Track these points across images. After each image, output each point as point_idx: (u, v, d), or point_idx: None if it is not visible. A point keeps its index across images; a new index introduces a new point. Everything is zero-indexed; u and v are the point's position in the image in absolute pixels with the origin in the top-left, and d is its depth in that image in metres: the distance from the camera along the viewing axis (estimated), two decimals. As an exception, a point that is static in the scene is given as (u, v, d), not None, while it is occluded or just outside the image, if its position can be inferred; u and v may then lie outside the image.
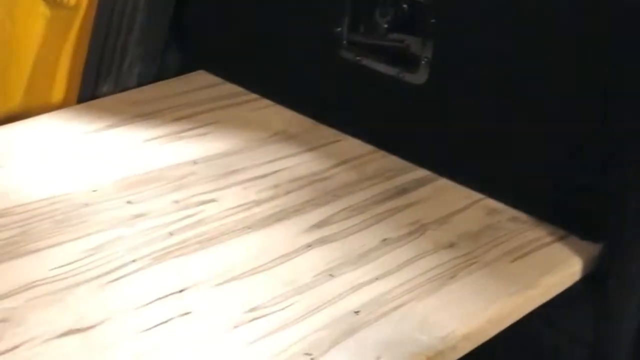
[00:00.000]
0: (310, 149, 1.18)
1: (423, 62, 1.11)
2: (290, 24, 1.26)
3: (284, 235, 0.99)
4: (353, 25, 1.17)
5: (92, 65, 1.32)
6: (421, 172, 1.13)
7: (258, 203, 1.05)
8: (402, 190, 1.09)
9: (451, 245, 0.99)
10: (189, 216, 1.01)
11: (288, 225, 1.01)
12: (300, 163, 1.14)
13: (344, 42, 1.18)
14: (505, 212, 1.06)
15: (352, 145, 1.19)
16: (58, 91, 1.33)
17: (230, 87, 1.33)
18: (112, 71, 1.33)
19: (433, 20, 1.09)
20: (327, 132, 1.22)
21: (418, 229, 1.02)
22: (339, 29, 1.18)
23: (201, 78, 1.36)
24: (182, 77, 1.36)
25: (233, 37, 1.35)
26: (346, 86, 1.20)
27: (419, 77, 1.12)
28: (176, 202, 1.04)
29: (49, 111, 1.27)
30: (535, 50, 1.02)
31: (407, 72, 1.13)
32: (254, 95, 1.31)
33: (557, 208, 1.04)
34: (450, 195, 1.09)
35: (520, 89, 1.04)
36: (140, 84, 1.35)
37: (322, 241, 0.98)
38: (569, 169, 1.02)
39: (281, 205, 1.05)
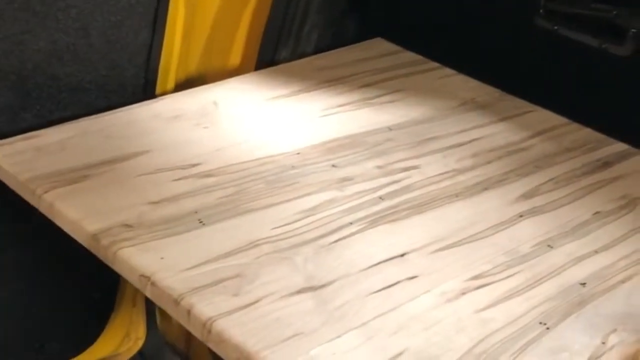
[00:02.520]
0: (503, 119, 1.16)
1: (630, 34, 1.08)
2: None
3: (494, 204, 0.98)
4: (552, -7, 1.16)
5: (273, 30, 1.33)
6: (620, 146, 1.11)
7: (460, 171, 1.04)
8: (605, 164, 1.07)
9: (666, 219, 0.97)
10: (395, 182, 1.01)
11: (495, 194, 1.00)
12: (495, 133, 1.13)
13: (541, 10, 1.16)
14: None
15: (545, 117, 1.17)
16: (236, 55, 1.34)
17: (409, 55, 1.32)
18: (291, 37, 1.34)
19: (644, -10, 1.07)
20: (517, 103, 1.20)
21: (628, 204, 1.00)
22: (537, -3, 1.16)
23: (379, 45, 1.35)
24: (361, 44, 1.35)
25: (413, 5, 1.34)
26: (540, 56, 1.18)
27: (625, 49, 1.09)
28: (379, 167, 1.03)
29: (227, 75, 1.28)
30: None
31: (611, 44, 1.10)
32: (434, 64, 1.30)
33: None
34: (655, 170, 1.07)
35: None
36: (317, 50, 1.36)
37: (534, 212, 0.97)
38: None
39: (484, 174, 1.04)
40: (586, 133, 1.14)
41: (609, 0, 1.11)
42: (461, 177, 1.03)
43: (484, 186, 1.01)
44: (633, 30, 1.08)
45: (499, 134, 1.13)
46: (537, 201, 0.99)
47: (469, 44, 1.27)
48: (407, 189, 1.00)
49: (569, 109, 1.17)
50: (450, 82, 1.26)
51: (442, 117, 1.16)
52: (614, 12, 1.09)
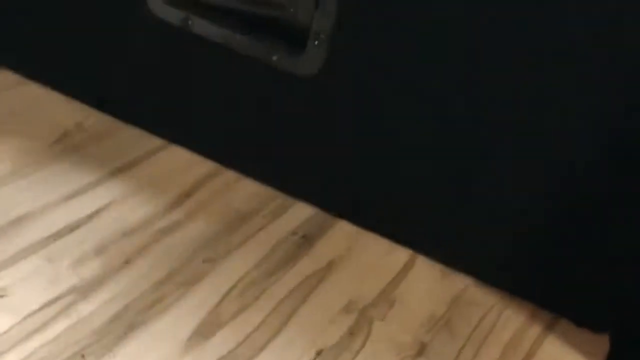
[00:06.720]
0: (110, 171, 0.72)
1: (316, 42, 0.70)
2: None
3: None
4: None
5: None
6: (309, 210, 0.74)
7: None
8: (304, 241, 0.70)
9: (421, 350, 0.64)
10: None
11: None
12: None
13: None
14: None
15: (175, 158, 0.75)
16: None
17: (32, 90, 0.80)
18: None
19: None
20: (132, 134, 0.76)
21: (360, 320, 0.64)
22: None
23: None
24: None
25: (34, 27, 0.82)
26: (164, 67, 0.75)
27: (307, 65, 0.71)
28: None
29: None
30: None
31: (285, 55, 0.71)
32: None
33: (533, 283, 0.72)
34: (371, 250, 0.72)
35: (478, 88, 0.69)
36: None
37: None
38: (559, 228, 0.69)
39: None
40: (250, 186, 0.75)
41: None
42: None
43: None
44: (320, 35, 0.70)
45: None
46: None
47: (66, 51, 0.79)
48: None
49: (218, 151, 0.77)
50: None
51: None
52: (291, 9, 0.70)
